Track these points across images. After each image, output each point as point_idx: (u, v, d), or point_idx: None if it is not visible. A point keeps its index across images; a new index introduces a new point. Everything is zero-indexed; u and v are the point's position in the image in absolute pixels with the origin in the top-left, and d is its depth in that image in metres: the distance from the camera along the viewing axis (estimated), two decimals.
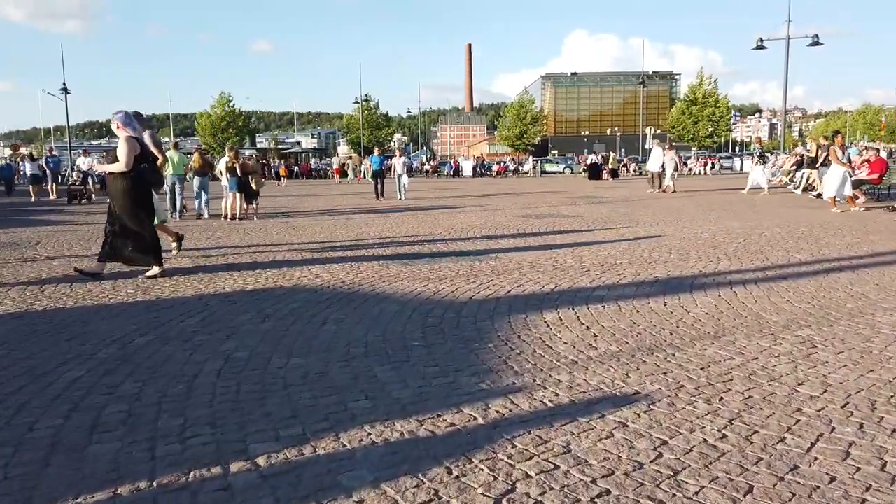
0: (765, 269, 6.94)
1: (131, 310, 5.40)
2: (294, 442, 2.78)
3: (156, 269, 6.97)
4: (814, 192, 18.71)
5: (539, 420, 2.98)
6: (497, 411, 3.11)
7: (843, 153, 13.33)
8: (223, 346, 4.28)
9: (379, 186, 20.53)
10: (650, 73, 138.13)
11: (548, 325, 4.72)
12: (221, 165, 15.35)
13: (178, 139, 30.26)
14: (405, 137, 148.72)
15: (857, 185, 14.24)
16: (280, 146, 77.10)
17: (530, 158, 55.86)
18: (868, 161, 15.50)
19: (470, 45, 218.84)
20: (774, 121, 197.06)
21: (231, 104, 55.85)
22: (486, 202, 19.28)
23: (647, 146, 54.03)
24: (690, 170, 47.75)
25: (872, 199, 15.46)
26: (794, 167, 25.81)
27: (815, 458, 2.57)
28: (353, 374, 3.68)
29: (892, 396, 3.21)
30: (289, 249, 9.23)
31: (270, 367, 3.82)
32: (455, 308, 5.31)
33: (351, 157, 49.70)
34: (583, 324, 4.76)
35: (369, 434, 2.85)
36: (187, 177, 16.52)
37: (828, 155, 20.15)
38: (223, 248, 9.44)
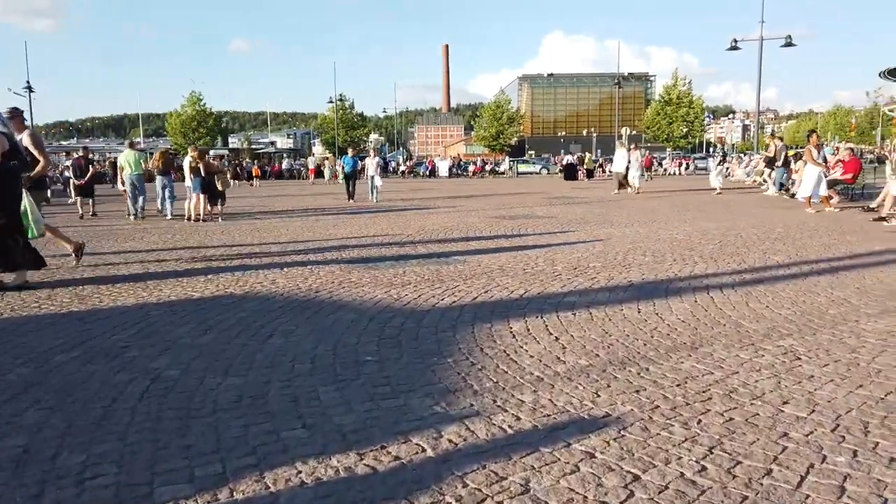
0: (742, 272, 6.68)
1: (61, 322, 4.94)
2: (209, 484, 2.39)
3: (10, 278, 6.23)
4: (764, 188, 18.86)
5: (496, 451, 2.63)
6: (450, 440, 2.74)
7: (819, 153, 13.22)
8: (154, 362, 3.86)
9: (351, 188, 19.95)
10: (626, 74, 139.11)
11: (514, 336, 4.37)
12: (185, 165, 14.82)
13: (137, 139, 29.45)
14: (381, 138, 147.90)
15: (831, 185, 14.16)
16: (253, 146, 75.88)
17: (506, 159, 55.70)
18: (842, 161, 15.45)
19: (447, 46, 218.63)
20: (748, 122, 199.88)
21: (202, 103, 54.80)
22: (461, 203, 18.94)
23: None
24: (665, 170, 47.96)
25: (846, 200, 15.43)
26: (767, 166, 25.97)
27: (807, 497, 2.25)
28: (293, 396, 3.29)
29: (885, 417, 2.91)
30: (249, 253, 8.78)
31: (202, 388, 3.41)
32: (416, 317, 4.95)
33: (327, 158, 49.08)
34: (551, 334, 4.42)
35: (299, 472, 2.47)
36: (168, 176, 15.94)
37: (785, 155, 20.34)
38: (180, 251, 8.96)
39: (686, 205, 16.35)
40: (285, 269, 7.29)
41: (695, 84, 57.50)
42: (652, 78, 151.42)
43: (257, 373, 3.67)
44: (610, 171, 48.34)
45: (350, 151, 20.48)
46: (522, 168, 52.94)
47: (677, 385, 3.38)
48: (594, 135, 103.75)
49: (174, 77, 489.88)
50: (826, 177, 13.46)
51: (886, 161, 24.29)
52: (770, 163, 20.63)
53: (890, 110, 43.73)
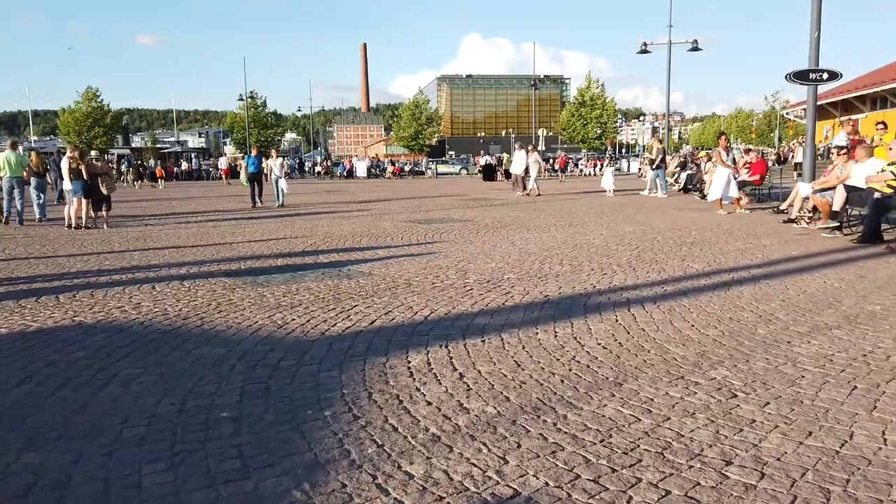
0: (662, 282, 6.27)
1: None
2: None
3: None
4: (646, 191, 19.24)
5: None
6: None
7: (728, 154, 13.29)
8: None
9: (256, 190, 18.38)
10: (542, 76, 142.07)
11: (411, 374, 3.67)
12: (63, 166, 13.30)
13: (17, 138, 26.87)
14: (299, 137, 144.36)
15: (740, 186, 14.31)
16: (159, 146, 71.76)
17: (424, 160, 55.12)
18: (749, 163, 15.71)
19: (365, 45, 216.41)
20: (657, 124, 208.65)
21: (99, 100, 51.15)
22: (375, 206, 18.13)
23: (539, 147, 54.85)
24: (582, 171, 48.80)
25: (754, 201, 15.70)
26: (679, 168, 26.59)
27: None
28: (104, 482, 2.46)
29: (847, 481, 2.40)
30: (122, 267, 7.68)
31: None
32: (298, 349, 4.17)
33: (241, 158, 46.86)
34: (456, 369, 3.75)
35: None
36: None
37: (662, 157, 20.74)
38: (40, 264, 7.74)
39: (602, 207, 16.21)
40: (157, 288, 6.30)
41: (607, 87, 58.97)
42: (567, 81, 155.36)
43: (69, 443, 2.80)
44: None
45: (254, 151, 18.77)
46: (442, 169, 52.55)
47: (601, 441, 2.78)
48: (512, 136, 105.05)
49: (71, 72, 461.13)
50: (736, 178, 13.56)
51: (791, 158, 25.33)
52: (653, 164, 21.08)
53: (787, 113, 46.22)
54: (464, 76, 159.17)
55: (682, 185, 22.61)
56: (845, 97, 36.26)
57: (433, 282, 6.46)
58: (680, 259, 7.60)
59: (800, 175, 23.67)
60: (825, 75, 12.35)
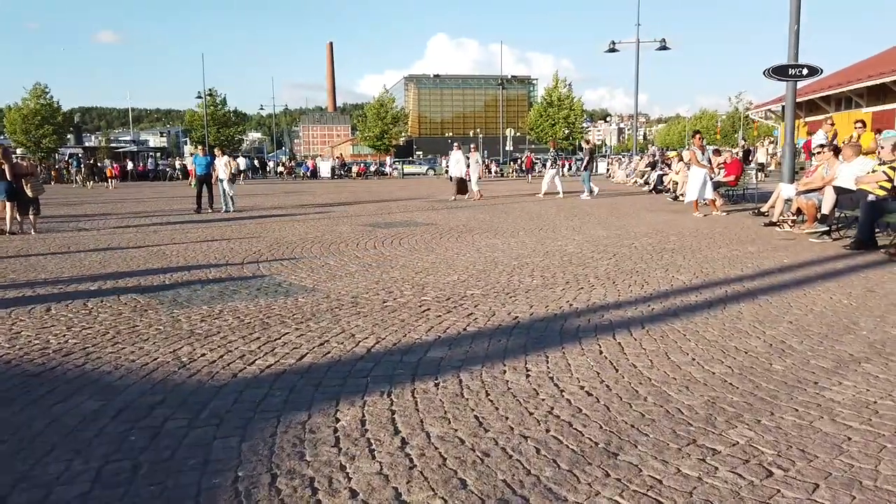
0: (647, 299, 5.45)
1: None
2: None
3: None
4: (583, 195, 18.61)
5: None
6: None
7: (703, 154, 12.63)
8: None
9: (205, 194, 16.32)
10: (509, 76, 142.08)
11: (337, 442, 2.76)
12: None
13: None
14: (264, 136, 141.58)
15: (714, 187, 13.68)
16: (113, 145, 69.12)
17: (390, 160, 54.00)
18: (724, 163, 15.12)
19: (331, 44, 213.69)
20: (622, 125, 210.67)
21: (48, 97, 48.76)
22: (335, 208, 17.10)
23: (507, 147, 54.24)
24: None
25: (729, 202, 15.12)
26: (649, 167, 26.12)
27: None
28: None
29: None
30: (27, 281, 6.58)
31: None
32: (196, 401, 3.21)
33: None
34: (398, 432, 2.85)
35: None
36: None
37: (590, 158, 20.09)
38: None
39: (573, 208, 15.46)
40: (53, 310, 5.26)
41: (573, 88, 58.51)
42: (534, 81, 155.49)
43: None
44: (497, 171, 48.37)
45: (200, 150, 17.10)
46: (409, 169, 51.52)
47: None
48: (480, 136, 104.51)
49: (26, 70, 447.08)
50: (712, 179, 12.92)
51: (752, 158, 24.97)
52: (586, 166, 20.57)
53: (752, 114, 46.37)
54: (431, 76, 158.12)
55: (652, 186, 22.09)
56: (810, 97, 36.32)
57: (384, 299, 5.54)
58: (663, 269, 6.81)
59: (766, 176, 23.36)
60: (805, 71, 11.76)
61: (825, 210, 8.51)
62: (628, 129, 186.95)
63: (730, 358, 3.83)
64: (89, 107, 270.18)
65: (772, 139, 48.19)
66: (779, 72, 11.81)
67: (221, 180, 16.11)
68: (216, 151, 17.15)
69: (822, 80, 38.28)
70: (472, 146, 20.83)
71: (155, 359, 3.92)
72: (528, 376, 3.56)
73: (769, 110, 46.85)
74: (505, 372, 3.63)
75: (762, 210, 11.24)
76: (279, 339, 4.34)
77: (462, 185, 19.59)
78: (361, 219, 13.78)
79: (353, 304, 5.39)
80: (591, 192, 19.39)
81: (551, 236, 9.95)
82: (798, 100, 38.29)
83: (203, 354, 3.99)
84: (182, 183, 38.16)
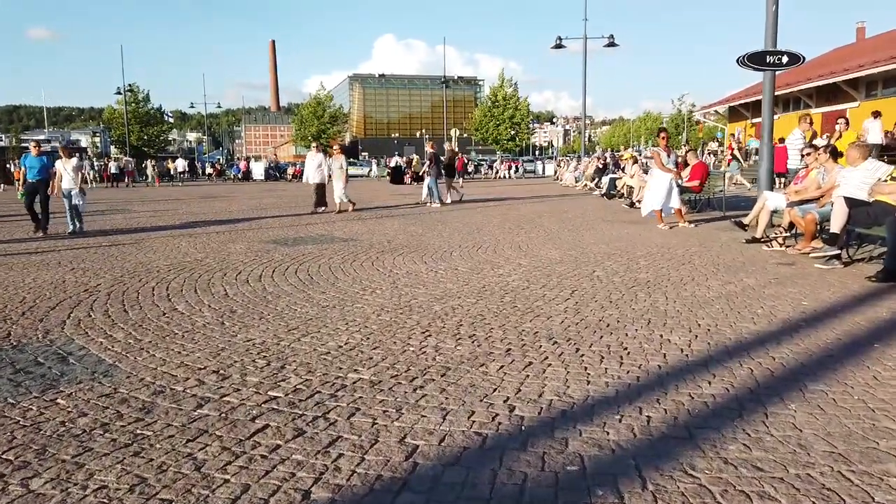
0: (634, 394, 3.40)
1: None
2: None
3: None
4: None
5: None
6: None
7: (669, 156, 10.79)
8: None
9: (40, 207, 11.50)
10: (455, 77, 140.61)
11: None
12: None
13: None
14: (203, 136, 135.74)
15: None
16: (24, 145, 63.69)
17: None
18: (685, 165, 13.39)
19: (273, 42, 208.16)
20: (567, 127, 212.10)
21: None
22: (246, 218, 14.66)
23: (454, 146, 52.17)
24: (497, 173, 46.57)
25: (693, 211, 13.41)
26: (599, 171, 24.47)
27: None
28: None
29: None
30: None
31: None
32: None
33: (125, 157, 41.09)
34: None
35: None
36: None
37: (432, 163, 17.62)
38: None
39: (518, 218, 13.47)
40: None
41: (519, 90, 56.90)
42: (481, 82, 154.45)
43: None
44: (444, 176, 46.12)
45: (34, 148, 12.03)
46: (350, 171, 48.85)
47: None
48: (426, 136, 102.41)
49: None
50: (680, 184, 11.12)
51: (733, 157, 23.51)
52: (445, 172, 18.78)
53: (701, 115, 45.76)
54: (376, 75, 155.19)
55: (604, 191, 20.39)
56: (756, 98, 35.57)
57: (195, 407, 3.31)
58: (643, 322, 4.78)
59: (737, 183, 21.85)
60: (784, 58, 10.06)
61: (835, 227, 6.68)
62: (574, 132, 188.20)
63: None
64: (17, 104, 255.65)
65: (718, 140, 47.83)
66: (755, 59, 10.08)
67: (68, 191, 11.29)
68: (60, 152, 11.93)
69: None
70: (336, 147, 17.31)
71: None
72: None
73: (716, 111, 46.46)
74: None
75: (744, 222, 9.42)
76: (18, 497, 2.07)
77: (321, 196, 15.61)
78: (269, 232, 11.46)
79: (132, 431, 3.15)
80: (439, 199, 17.30)
81: (491, 259, 7.88)
82: (744, 101, 37.52)
83: None
84: (129, 183, 34.63)
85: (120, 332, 4.71)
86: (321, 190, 15.71)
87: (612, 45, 30.39)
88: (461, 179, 33.44)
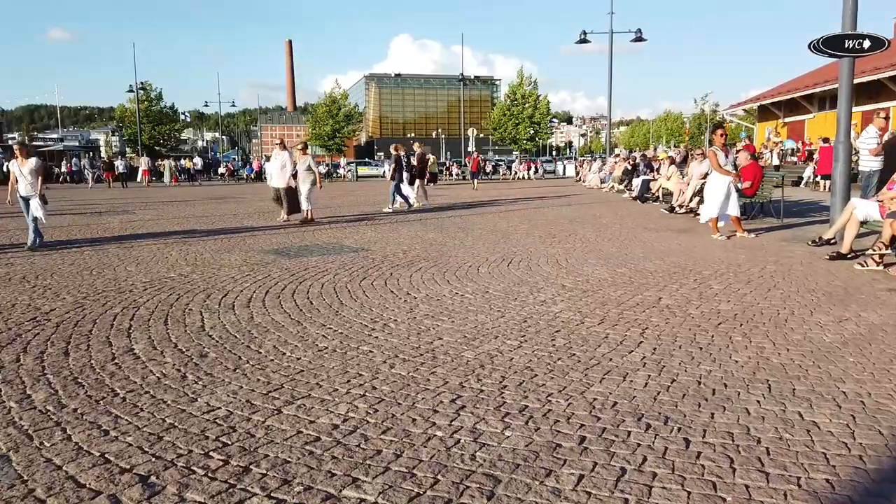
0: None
1: None
2: None
3: None
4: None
5: None
6: None
7: (727, 157, 9.39)
8: None
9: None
10: (472, 76, 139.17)
11: None
12: None
13: None
14: (219, 136, 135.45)
15: None
16: (36, 143, 63.21)
17: (343, 160, 49.96)
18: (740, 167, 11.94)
19: (290, 42, 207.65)
20: (584, 128, 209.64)
21: None
22: (251, 223, 13.47)
23: (469, 148, 50.90)
24: (516, 174, 45.18)
25: (745, 218, 11.97)
26: (629, 172, 23.01)
27: None
28: None
29: None
30: None
31: None
32: None
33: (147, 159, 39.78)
34: None
35: None
36: None
37: (396, 166, 15.50)
38: None
39: (547, 225, 12.14)
40: None
41: (538, 86, 55.25)
42: (497, 82, 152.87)
43: None
44: (459, 174, 44.85)
45: None
46: (363, 171, 47.67)
47: None
48: (443, 137, 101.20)
49: None
50: (738, 189, 9.72)
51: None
52: (418, 174, 17.42)
53: (726, 115, 44.02)
54: (392, 75, 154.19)
55: (636, 194, 18.96)
56: (792, 96, 33.85)
57: None
58: (759, 386, 3.44)
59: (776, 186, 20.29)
60: (866, 42, 8.63)
61: None
62: (590, 132, 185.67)
63: None
64: (38, 104, 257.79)
65: (744, 141, 46.05)
66: (831, 44, 8.66)
67: (25, 198, 9.42)
68: (16, 150, 9.67)
69: (802, 77, 36.03)
70: (300, 146, 14.56)
71: None
72: None
73: (744, 110, 44.63)
74: None
75: (828, 238, 8.00)
76: None
77: (293, 201, 13.21)
78: (272, 239, 10.25)
79: None
80: (407, 202, 16.15)
81: (526, 278, 6.56)
82: (774, 99, 35.67)
83: None
84: (146, 183, 33.75)
85: (42, 391, 3.46)
86: (291, 194, 13.17)
87: (639, 39, 28.94)
88: (476, 181, 32.13)
